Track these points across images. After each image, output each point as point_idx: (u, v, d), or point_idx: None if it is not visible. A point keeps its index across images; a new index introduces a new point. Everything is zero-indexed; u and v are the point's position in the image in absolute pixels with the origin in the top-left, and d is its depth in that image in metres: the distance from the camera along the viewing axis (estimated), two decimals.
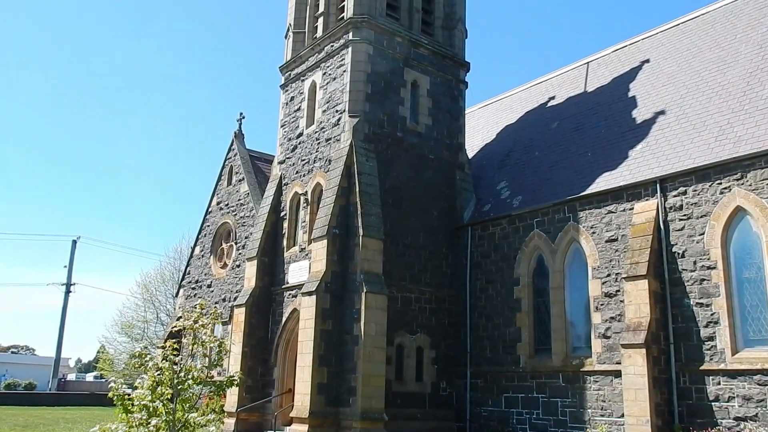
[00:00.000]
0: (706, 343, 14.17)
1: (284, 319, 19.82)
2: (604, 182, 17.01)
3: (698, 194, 14.93)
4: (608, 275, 16.20)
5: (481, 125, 26.77)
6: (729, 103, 16.18)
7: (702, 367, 14.09)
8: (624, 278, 15.31)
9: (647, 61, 21.14)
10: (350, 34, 19.94)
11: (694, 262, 14.68)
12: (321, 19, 21.92)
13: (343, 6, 20.95)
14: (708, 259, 14.46)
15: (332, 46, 20.65)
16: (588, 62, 24.17)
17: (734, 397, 13.51)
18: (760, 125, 14.72)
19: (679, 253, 14.98)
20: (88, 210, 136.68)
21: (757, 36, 17.88)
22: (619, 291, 15.81)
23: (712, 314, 14.18)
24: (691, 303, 14.54)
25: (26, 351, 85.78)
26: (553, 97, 23.99)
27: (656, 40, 21.93)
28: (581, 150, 19.32)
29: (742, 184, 14.23)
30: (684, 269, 14.82)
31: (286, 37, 23.06)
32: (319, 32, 21.82)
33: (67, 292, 45.41)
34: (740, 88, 16.42)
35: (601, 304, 16.19)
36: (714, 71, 17.86)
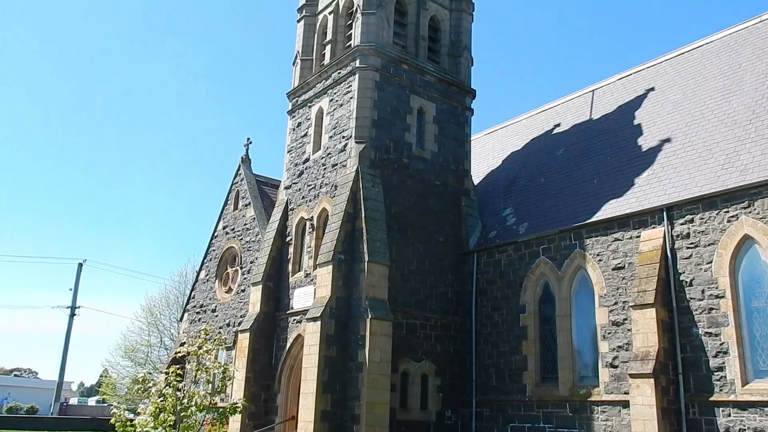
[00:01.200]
0: (715, 373, 13.98)
1: (288, 344, 19.69)
2: (611, 209, 16.96)
3: (705, 222, 14.87)
4: (615, 303, 16.08)
5: (487, 152, 26.83)
6: (735, 132, 16.19)
7: (712, 398, 13.89)
8: (631, 306, 15.18)
9: (652, 89, 21.23)
10: (357, 62, 20.13)
11: (702, 291, 14.55)
12: (328, 47, 22.16)
13: (351, 34, 21.20)
14: (716, 287, 14.34)
15: (339, 73, 20.84)
16: (593, 90, 24.30)
17: (745, 429, 13.27)
18: (766, 153, 14.70)
19: (686, 282, 14.86)
20: (94, 233, 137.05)
21: (761, 65, 17.96)
22: (626, 319, 15.65)
23: (721, 344, 14.01)
24: (700, 332, 14.39)
25: (29, 374, 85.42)
26: (558, 125, 24.07)
27: (661, 69, 22.05)
28: (587, 177, 19.31)
29: (750, 212, 14.17)
30: (692, 298, 14.69)
31: (294, 63, 23.30)
32: (327, 59, 22.04)
33: (72, 315, 45.24)
34: (746, 116, 16.44)
35: (609, 333, 16.03)
36: (719, 99, 17.91)
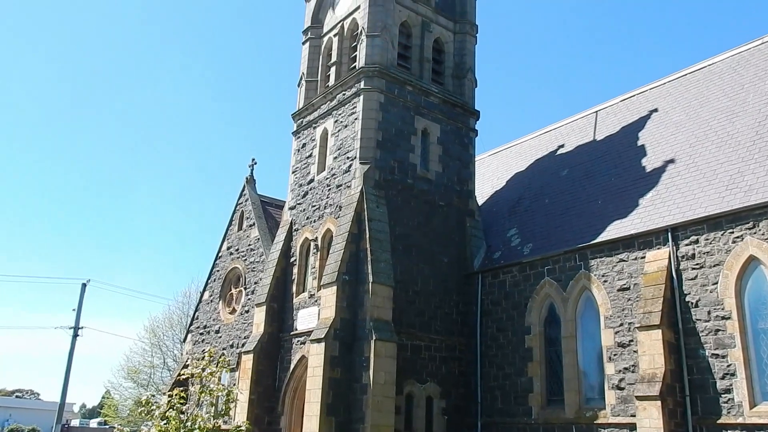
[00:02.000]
0: (723, 395, 13.85)
1: (292, 366, 19.59)
2: (615, 230, 16.94)
3: (710, 243, 14.83)
4: (621, 324, 15.99)
5: (491, 172, 26.90)
6: (739, 153, 16.22)
7: (719, 421, 13.73)
8: (637, 328, 15.09)
9: (656, 110, 21.32)
10: (362, 83, 20.30)
11: (708, 312, 14.47)
12: (333, 68, 22.37)
13: (356, 56, 21.39)
14: (722, 309, 14.26)
15: (344, 94, 21.00)
16: (597, 111, 24.40)
17: None
18: None
19: (692, 303, 14.79)
20: (98, 253, 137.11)
21: (764, 86, 18.04)
22: (632, 341, 15.56)
23: (728, 366, 13.90)
24: (707, 354, 14.28)
25: (31, 395, 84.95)
26: (562, 145, 24.14)
27: (664, 90, 22.15)
28: (591, 198, 19.33)
29: (755, 233, 14.14)
30: (698, 319, 14.61)
31: (298, 85, 23.50)
32: (332, 81, 22.23)
33: (75, 336, 45.06)
34: (749, 137, 16.48)
35: (615, 354, 15.93)
36: (722, 120, 17.96)
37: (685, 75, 21.91)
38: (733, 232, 14.51)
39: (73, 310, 45.94)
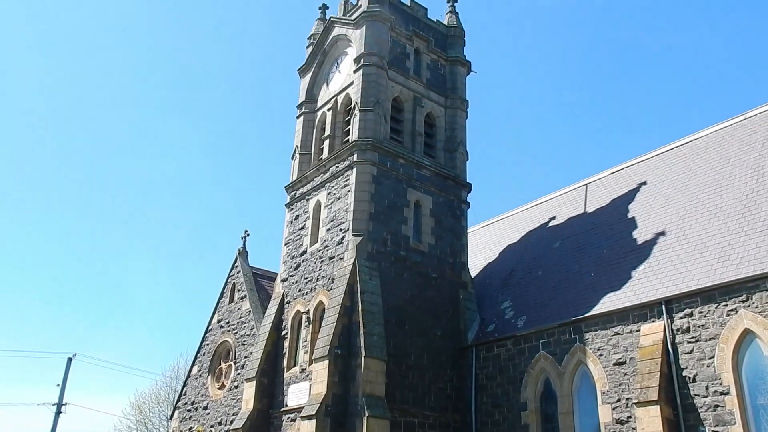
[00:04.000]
0: None
1: None
2: (609, 303, 16.85)
3: (705, 316, 14.73)
4: (618, 400, 15.65)
5: (484, 244, 26.95)
6: (728, 225, 16.36)
7: None
8: (635, 404, 14.76)
9: (644, 183, 21.62)
10: (355, 156, 20.59)
11: (707, 387, 14.21)
12: (327, 142, 22.73)
13: (349, 130, 21.81)
14: (720, 384, 14.02)
15: (337, 167, 21.27)
16: (587, 184, 24.72)
17: None
18: (760, 247, 14.78)
19: (689, 377, 14.55)
20: (83, 326, 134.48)
21: (749, 160, 18.39)
22: (630, 417, 15.19)
23: None
24: (707, 431, 13.92)
25: None
26: (554, 217, 24.32)
27: (652, 163, 22.53)
28: (584, 270, 19.31)
29: (749, 306, 14.08)
30: (696, 394, 14.33)
31: (292, 158, 23.83)
32: (325, 154, 22.55)
33: (58, 412, 43.64)
34: (738, 210, 16.67)
35: None
36: (710, 193, 18.21)
37: (672, 149, 22.34)
38: (726, 305, 14.44)
39: (58, 385, 44.53)
